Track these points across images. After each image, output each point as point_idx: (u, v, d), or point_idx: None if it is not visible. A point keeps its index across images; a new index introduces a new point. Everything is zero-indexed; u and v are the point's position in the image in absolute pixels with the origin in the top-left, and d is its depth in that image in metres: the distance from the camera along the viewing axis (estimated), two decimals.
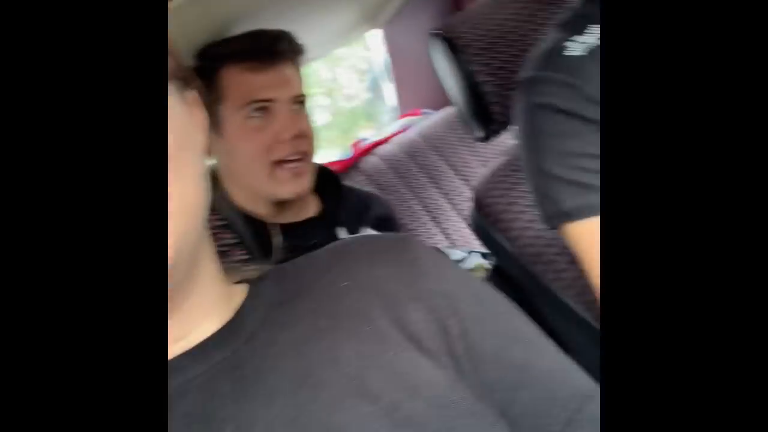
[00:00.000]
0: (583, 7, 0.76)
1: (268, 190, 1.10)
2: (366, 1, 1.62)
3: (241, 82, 1.09)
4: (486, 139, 1.06)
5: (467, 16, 1.01)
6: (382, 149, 1.80)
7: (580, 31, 0.72)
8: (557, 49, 0.72)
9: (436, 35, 1.01)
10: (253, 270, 0.51)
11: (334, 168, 1.71)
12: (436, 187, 1.72)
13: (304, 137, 1.12)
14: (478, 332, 0.46)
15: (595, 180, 0.68)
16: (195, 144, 0.44)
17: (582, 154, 0.69)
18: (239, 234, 0.56)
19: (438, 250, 0.54)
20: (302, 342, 0.44)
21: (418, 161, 1.76)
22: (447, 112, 1.85)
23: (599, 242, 0.68)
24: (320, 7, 1.51)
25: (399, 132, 1.89)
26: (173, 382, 0.41)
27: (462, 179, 1.73)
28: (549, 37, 0.76)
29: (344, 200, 1.25)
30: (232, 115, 1.09)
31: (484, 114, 0.99)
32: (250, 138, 1.09)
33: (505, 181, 0.95)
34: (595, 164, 0.68)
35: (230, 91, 1.10)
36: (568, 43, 0.71)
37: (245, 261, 0.54)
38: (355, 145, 1.85)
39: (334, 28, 1.73)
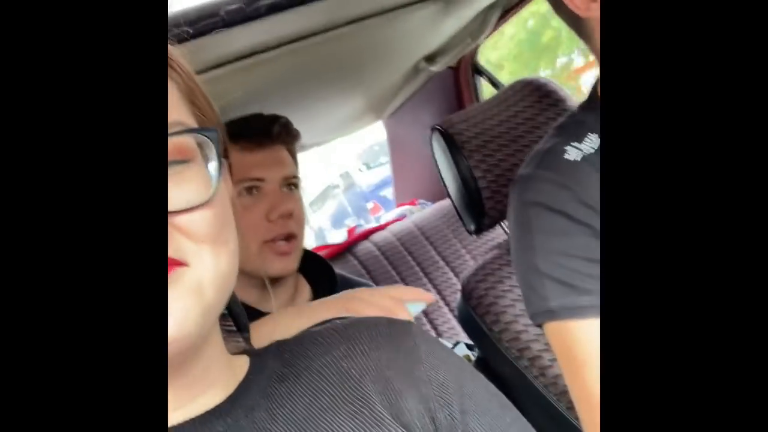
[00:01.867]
0: (581, 114, 0.80)
1: (256, 267, 1.12)
2: (372, 94, 1.69)
3: (233, 161, 1.13)
4: (478, 232, 1.09)
5: (468, 114, 1.07)
6: (377, 236, 1.83)
7: (579, 139, 0.76)
8: (556, 152, 0.76)
9: (437, 130, 1.06)
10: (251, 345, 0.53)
11: (328, 251, 1.75)
12: (427, 277, 1.74)
13: (293, 218, 1.15)
14: (468, 426, 0.47)
15: (582, 282, 0.70)
16: (232, 219, 0.47)
17: (571, 254, 0.71)
18: (235, 314, 0.57)
19: (436, 339, 0.55)
20: (302, 419, 0.44)
21: (411, 250, 1.79)
22: (442, 204, 1.90)
23: (579, 345, 0.70)
24: (327, 97, 1.58)
25: (395, 220, 1.93)
26: None
27: (453, 271, 1.76)
28: (548, 139, 0.80)
29: (336, 288, 1.26)
30: None
31: (478, 208, 1.03)
32: (239, 216, 1.11)
33: (494, 274, 0.97)
34: (584, 266, 0.70)
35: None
36: (567, 148, 0.75)
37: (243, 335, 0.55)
38: (350, 230, 1.89)
39: (338, 117, 1.81)
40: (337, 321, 0.55)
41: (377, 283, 1.72)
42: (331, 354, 0.49)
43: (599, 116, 0.76)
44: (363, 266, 1.73)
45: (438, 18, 1.23)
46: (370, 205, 5.83)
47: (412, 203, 2.05)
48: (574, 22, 0.76)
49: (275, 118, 1.18)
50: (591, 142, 0.75)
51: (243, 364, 0.50)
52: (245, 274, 1.14)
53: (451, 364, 0.51)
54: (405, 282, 1.73)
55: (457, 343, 1.29)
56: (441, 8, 1.18)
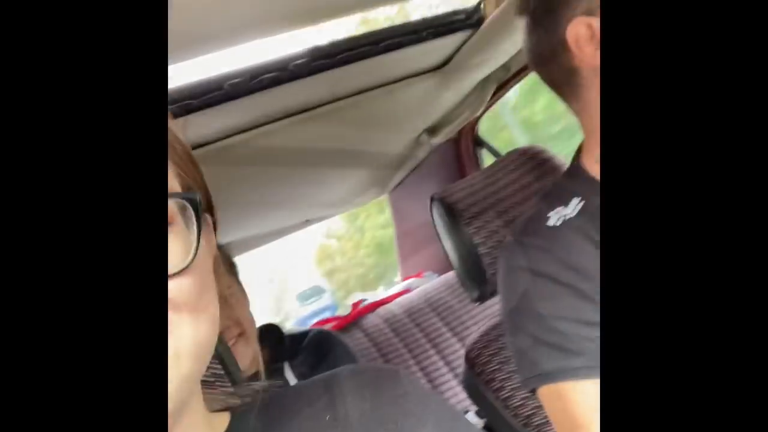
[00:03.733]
0: (564, 181, 0.82)
1: None
2: (375, 168, 1.72)
3: None
4: (481, 300, 1.08)
5: (467, 183, 1.09)
6: (384, 309, 1.82)
7: (564, 203, 0.77)
8: (539, 219, 0.77)
9: (437, 200, 1.07)
10: (235, 398, 0.52)
11: (334, 324, 1.74)
12: (434, 348, 1.72)
13: None
14: None
15: (573, 344, 0.69)
16: (213, 282, 0.45)
17: (560, 317, 0.71)
18: (226, 366, 0.57)
19: (423, 388, 0.53)
20: None
21: (417, 322, 1.77)
22: (448, 276, 1.90)
23: (577, 407, 0.68)
24: (331, 171, 1.61)
25: (401, 293, 1.92)
26: None
27: (460, 342, 1.73)
28: (533, 206, 0.81)
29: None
30: None
31: (480, 275, 1.03)
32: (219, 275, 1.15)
33: (498, 340, 0.96)
34: (573, 328, 0.70)
35: None
36: (550, 214, 0.76)
37: (229, 391, 0.54)
38: (355, 304, 1.88)
39: (343, 191, 1.84)
40: (327, 372, 0.53)
41: (384, 356, 1.70)
42: (313, 406, 0.48)
43: (583, 181, 0.78)
44: (369, 339, 1.71)
45: (436, 91, 1.27)
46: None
47: (418, 275, 2.05)
48: (568, 76, 0.77)
49: None
50: (574, 206, 0.76)
51: (223, 422, 0.49)
52: None
53: (440, 416, 0.49)
54: (411, 354, 1.71)
55: (465, 412, 1.26)
56: (439, 81, 1.22)
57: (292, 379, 1.23)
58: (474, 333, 1.72)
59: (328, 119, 1.22)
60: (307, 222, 2.00)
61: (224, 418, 0.49)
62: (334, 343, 1.34)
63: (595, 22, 0.72)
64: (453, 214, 1.04)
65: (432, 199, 1.10)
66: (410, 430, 0.47)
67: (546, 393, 0.72)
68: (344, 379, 0.50)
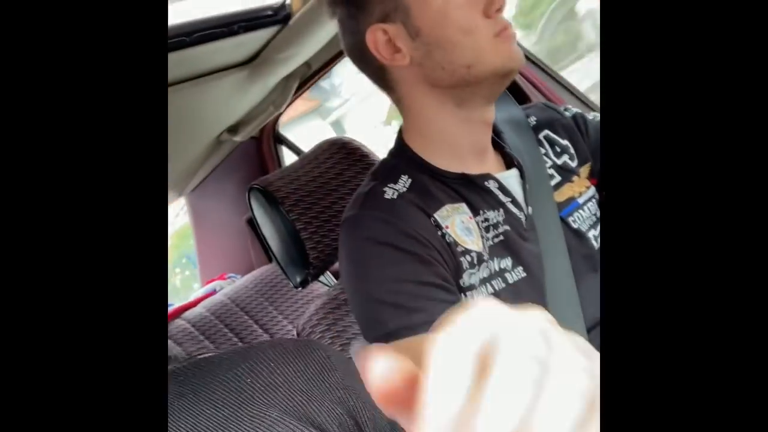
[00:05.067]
0: (392, 160, 0.89)
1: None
2: (174, 170, 1.68)
3: None
4: (304, 284, 1.13)
5: (283, 173, 1.12)
6: (190, 313, 1.78)
7: (394, 180, 0.84)
8: (375, 193, 0.84)
9: (256, 189, 1.10)
10: None
11: None
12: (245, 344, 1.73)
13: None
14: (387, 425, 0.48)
15: (415, 302, 0.77)
16: None
17: (402, 279, 0.78)
18: None
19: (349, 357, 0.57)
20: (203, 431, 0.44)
21: (227, 323, 1.76)
22: (254, 274, 1.90)
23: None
24: None
25: (205, 296, 1.89)
26: None
27: (270, 336, 1.76)
28: (366, 183, 0.87)
29: None
30: None
31: (303, 259, 1.07)
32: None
33: (327, 317, 1.01)
34: (415, 289, 0.77)
35: None
36: (385, 189, 0.83)
37: None
38: None
39: None
40: (242, 345, 0.54)
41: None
42: (232, 371, 0.49)
43: (408, 160, 0.87)
44: (178, 344, 1.66)
45: (243, 85, 1.29)
46: None
47: (221, 278, 2.02)
48: (379, 73, 0.86)
49: None
50: (404, 182, 0.85)
51: None
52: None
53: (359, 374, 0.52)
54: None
55: None
56: (246, 75, 1.24)
57: None
58: (289, 329, 1.76)
59: None
60: None
61: None
62: None
63: (391, 27, 0.81)
64: (274, 201, 1.07)
65: (251, 189, 1.12)
66: (339, 383, 0.49)
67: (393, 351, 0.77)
68: (263, 349, 0.51)
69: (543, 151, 0.94)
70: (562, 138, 0.96)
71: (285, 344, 0.53)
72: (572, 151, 0.95)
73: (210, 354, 0.53)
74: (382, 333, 0.78)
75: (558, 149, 0.95)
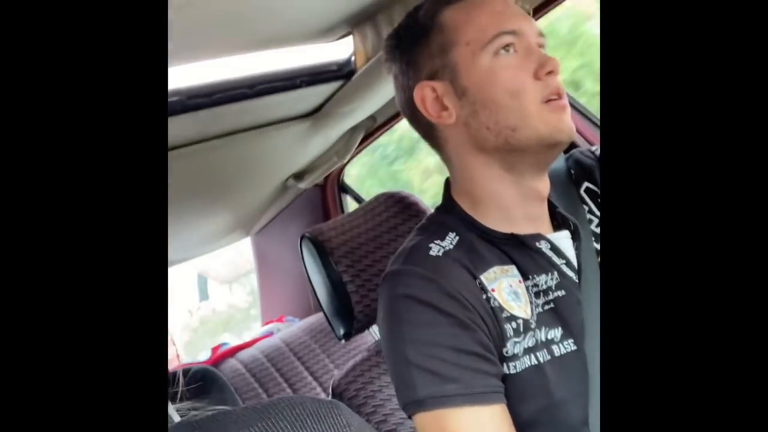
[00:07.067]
0: (439, 216, 0.88)
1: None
2: (240, 210, 1.72)
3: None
4: (347, 337, 1.12)
5: (336, 223, 1.13)
6: (244, 353, 1.80)
7: (441, 237, 0.83)
8: (420, 248, 0.82)
9: (307, 238, 1.10)
10: None
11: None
12: (294, 392, 1.72)
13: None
14: None
15: (449, 371, 0.74)
16: None
17: (438, 344, 0.75)
18: None
19: (362, 420, 0.54)
20: None
21: (278, 366, 1.77)
22: (310, 320, 1.91)
23: None
24: (194, 211, 1.59)
25: (262, 337, 1.91)
26: None
27: (321, 386, 1.75)
28: (412, 238, 0.86)
29: None
30: None
31: (348, 312, 1.06)
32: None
33: (364, 375, 1.00)
34: (451, 356, 0.74)
35: None
36: (431, 245, 0.82)
37: None
38: (214, 348, 1.84)
39: (206, 233, 1.81)
40: (262, 401, 0.52)
41: (243, 402, 1.67)
42: (246, 431, 0.46)
43: (456, 217, 0.85)
44: (229, 383, 1.68)
45: (306, 136, 1.32)
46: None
47: (279, 320, 2.04)
48: (427, 130, 0.85)
49: None
50: (450, 239, 0.83)
51: None
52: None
53: None
54: (270, 396, 1.69)
55: None
56: (309, 127, 1.27)
57: (175, 417, 1.17)
58: (340, 369, 1.75)
59: (196, 158, 1.22)
60: (170, 263, 1.94)
61: None
62: (215, 380, 1.31)
63: (439, 85, 0.80)
64: (324, 252, 1.07)
65: (302, 238, 1.13)
66: None
67: (421, 420, 0.74)
68: (281, 408, 0.49)
69: (586, 208, 0.90)
70: None
71: (306, 405, 0.50)
72: None
73: (229, 408, 0.52)
74: (412, 400, 0.75)
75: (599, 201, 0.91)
